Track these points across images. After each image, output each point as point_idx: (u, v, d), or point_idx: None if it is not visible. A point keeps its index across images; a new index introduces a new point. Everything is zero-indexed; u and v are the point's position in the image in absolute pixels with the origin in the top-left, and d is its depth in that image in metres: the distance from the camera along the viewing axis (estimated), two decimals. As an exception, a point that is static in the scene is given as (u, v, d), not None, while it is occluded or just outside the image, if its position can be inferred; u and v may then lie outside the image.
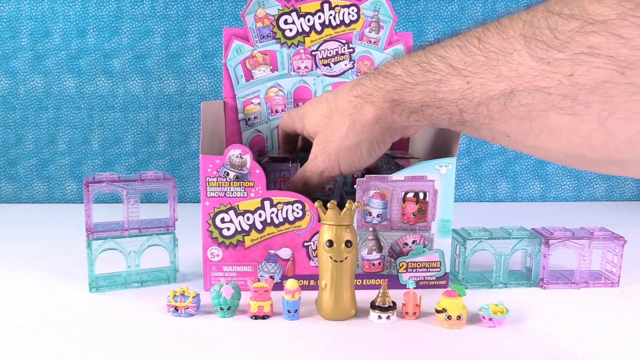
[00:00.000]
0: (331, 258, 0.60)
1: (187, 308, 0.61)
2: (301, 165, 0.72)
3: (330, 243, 0.59)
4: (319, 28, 0.78)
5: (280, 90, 0.81)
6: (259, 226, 0.67)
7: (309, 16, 0.78)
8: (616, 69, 0.32)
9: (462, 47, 0.43)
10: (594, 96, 0.34)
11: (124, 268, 0.70)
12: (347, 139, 0.57)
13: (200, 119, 0.89)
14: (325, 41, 0.79)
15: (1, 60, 1.12)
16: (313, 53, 0.79)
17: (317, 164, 0.62)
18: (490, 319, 0.59)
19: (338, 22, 0.78)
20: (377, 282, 0.69)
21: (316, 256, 0.67)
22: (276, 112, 0.82)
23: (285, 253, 0.68)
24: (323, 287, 0.61)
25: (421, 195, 0.67)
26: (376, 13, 0.79)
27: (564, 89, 0.35)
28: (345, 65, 0.80)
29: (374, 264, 0.69)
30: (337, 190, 0.74)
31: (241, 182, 0.65)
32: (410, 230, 0.68)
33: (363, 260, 0.69)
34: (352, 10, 0.78)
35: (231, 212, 0.66)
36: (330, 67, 0.80)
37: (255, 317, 0.61)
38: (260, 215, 0.66)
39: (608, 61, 0.32)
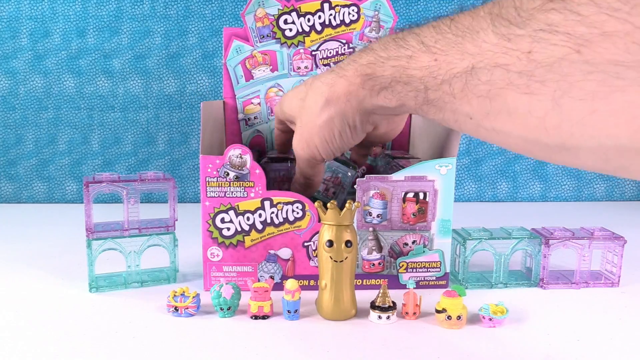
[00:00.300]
0: (331, 258, 0.60)
1: (187, 308, 0.61)
2: None
3: (330, 243, 0.59)
4: (319, 28, 0.78)
5: (280, 90, 0.81)
6: (259, 226, 0.67)
7: (309, 16, 0.78)
8: (572, 46, 0.32)
9: (435, 27, 0.44)
10: (549, 74, 0.34)
11: (124, 268, 0.70)
12: (319, 117, 0.56)
13: (200, 119, 0.89)
14: (326, 41, 0.79)
15: (1, 60, 1.12)
16: (313, 53, 0.79)
17: (300, 153, 0.61)
18: (490, 319, 0.59)
19: (338, 22, 0.78)
20: (377, 282, 0.69)
21: (316, 256, 0.67)
22: (276, 112, 0.82)
23: (285, 253, 0.68)
24: (323, 287, 0.61)
25: (421, 195, 0.67)
26: (376, 13, 0.79)
27: (522, 66, 0.35)
28: (345, 65, 0.80)
29: (374, 264, 0.69)
30: (341, 196, 0.73)
31: (241, 182, 0.65)
32: (410, 230, 0.68)
33: (363, 260, 0.69)
34: (353, 10, 0.78)
35: (231, 212, 0.66)
36: (331, 67, 0.80)
37: (255, 317, 0.61)
38: (260, 215, 0.66)
39: (565, 38, 0.32)
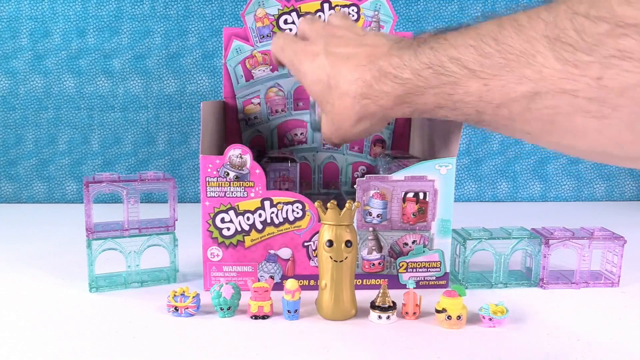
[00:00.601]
0: (331, 258, 0.60)
1: (187, 308, 0.61)
2: (297, 162, 0.72)
3: (330, 243, 0.59)
4: (319, 28, 0.78)
5: (280, 90, 0.81)
6: (259, 226, 0.67)
7: (309, 16, 0.78)
8: None
9: (476, 48, 0.41)
10: (622, 99, 0.34)
11: (124, 268, 0.70)
12: (353, 127, 0.54)
13: (200, 119, 0.89)
14: (325, 41, 0.79)
15: (1, 60, 1.12)
16: (313, 53, 0.79)
17: (330, 136, 0.58)
18: (490, 319, 0.59)
19: None
20: (377, 282, 0.69)
21: (316, 256, 0.67)
22: (276, 112, 0.82)
23: (285, 253, 0.68)
24: (323, 287, 0.61)
25: (421, 195, 0.67)
26: (376, 13, 0.79)
27: (592, 92, 0.35)
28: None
29: (374, 264, 0.69)
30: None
31: (241, 182, 0.65)
32: (410, 230, 0.68)
33: (363, 260, 0.69)
34: (352, 10, 0.78)
35: (231, 212, 0.66)
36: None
37: (255, 317, 0.61)
38: (260, 215, 0.66)
39: (639, 64, 0.32)
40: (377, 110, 0.51)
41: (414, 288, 0.62)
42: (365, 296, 0.64)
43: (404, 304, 0.62)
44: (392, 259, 0.69)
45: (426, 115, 0.49)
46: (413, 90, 0.47)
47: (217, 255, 0.67)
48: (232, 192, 0.66)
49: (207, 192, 0.65)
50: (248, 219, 0.66)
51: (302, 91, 0.81)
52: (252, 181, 0.65)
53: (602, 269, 0.73)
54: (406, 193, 0.67)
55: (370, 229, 0.68)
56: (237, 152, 0.65)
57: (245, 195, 0.66)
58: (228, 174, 0.65)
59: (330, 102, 0.54)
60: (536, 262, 0.71)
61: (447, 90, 0.44)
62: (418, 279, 0.69)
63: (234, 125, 0.81)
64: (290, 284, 0.60)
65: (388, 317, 0.61)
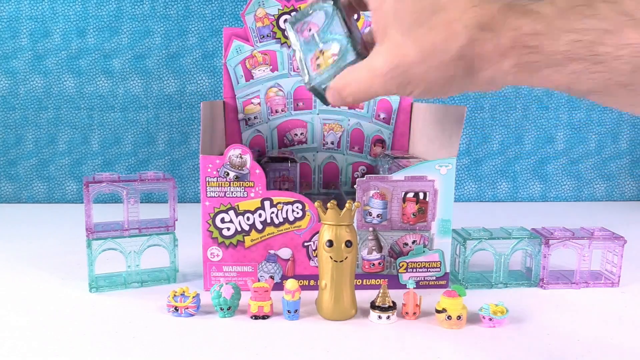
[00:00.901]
0: (331, 258, 0.60)
1: (187, 308, 0.61)
2: (297, 162, 0.72)
3: (330, 243, 0.59)
4: (319, 28, 0.78)
5: (280, 90, 0.81)
6: (259, 226, 0.67)
7: None
8: None
9: None
10: None
11: (124, 268, 0.70)
12: (447, 85, 0.41)
13: (200, 119, 0.89)
14: (325, 41, 0.79)
15: (1, 60, 1.12)
16: (313, 53, 0.79)
17: (388, 87, 0.42)
18: (490, 319, 0.59)
19: None
20: (377, 282, 0.69)
21: (316, 256, 0.67)
22: (276, 112, 0.82)
23: (285, 253, 0.68)
24: (323, 287, 0.61)
25: (421, 195, 0.67)
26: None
27: None
28: (345, 65, 0.80)
29: (374, 264, 0.69)
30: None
31: (241, 182, 0.65)
32: (410, 230, 0.68)
33: (363, 260, 0.69)
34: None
35: (231, 212, 0.66)
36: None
37: (255, 317, 0.61)
38: (260, 215, 0.66)
39: None
40: (487, 54, 0.39)
41: (414, 288, 0.62)
42: (365, 296, 0.64)
43: (404, 304, 0.62)
44: (392, 259, 0.69)
45: (544, 74, 0.39)
46: (547, 30, 0.37)
47: (217, 255, 0.67)
48: (232, 192, 0.66)
49: (207, 192, 0.65)
50: (248, 219, 0.66)
51: (303, 91, 0.81)
52: (252, 181, 0.65)
53: (602, 269, 0.73)
54: (406, 193, 0.67)
55: (370, 229, 0.68)
56: (237, 152, 0.65)
57: (245, 195, 0.66)
58: (228, 174, 0.65)
59: (425, 27, 0.40)
60: (536, 262, 0.71)
61: (591, 38, 0.36)
62: (418, 279, 0.69)
63: (234, 125, 0.81)
64: (290, 284, 0.60)
65: (388, 317, 0.61)
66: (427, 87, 0.41)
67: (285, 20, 0.77)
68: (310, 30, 0.43)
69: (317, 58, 0.43)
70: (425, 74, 0.40)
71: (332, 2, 0.43)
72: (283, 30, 0.78)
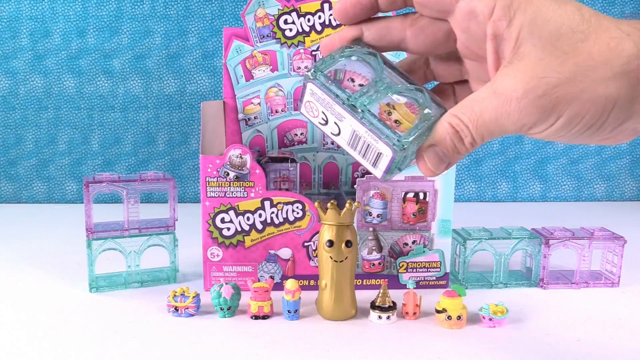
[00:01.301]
0: (331, 258, 0.60)
1: (187, 308, 0.61)
2: (297, 162, 0.72)
3: (331, 243, 0.59)
4: (319, 28, 0.78)
5: (280, 90, 0.81)
6: (259, 226, 0.67)
7: (309, 16, 0.78)
8: None
9: None
10: None
11: (124, 268, 0.70)
12: (603, 116, 0.32)
13: (200, 119, 0.89)
14: (325, 41, 0.79)
15: (1, 60, 1.12)
16: (313, 53, 0.79)
17: (507, 126, 0.33)
18: (490, 319, 0.59)
19: (338, 22, 0.78)
20: (377, 282, 0.69)
21: (316, 256, 0.67)
22: (276, 112, 0.82)
23: (285, 253, 0.68)
24: (323, 287, 0.61)
25: (421, 195, 0.67)
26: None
27: None
28: (345, 65, 0.80)
29: (374, 264, 0.69)
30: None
31: (241, 182, 0.65)
32: (410, 230, 0.68)
33: (363, 260, 0.69)
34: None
35: (231, 212, 0.66)
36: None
37: (255, 317, 0.61)
38: (260, 215, 0.66)
39: None
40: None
41: (414, 288, 0.62)
42: (365, 296, 0.64)
43: (404, 304, 0.62)
44: (392, 259, 0.69)
45: None
46: None
47: (217, 255, 0.67)
48: (232, 192, 0.66)
49: (207, 192, 0.65)
50: (248, 219, 0.66)
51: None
52: (252, 181, 0.65)
53: (602, 269, 0.73)
54: (406, 193, 0.67)
55: (370, 229, 0.68)
56: (237, 152, 0.65)
57: (245, 195, 0.66)
58: (228, 174, 0.65)
59: (576, 36, 0.32)
60: (536, 262, 0.71)
61: None
62: (418, 279, 0.69)
63: (234, 125, 0.81)
64: (290, 284, 0.60)
65: (388, 317, 0.61)
66: (578, 113, 0.32)
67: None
68: (353, 80, 0.34)
69: (389, 114, 0.33)
70: (580, 93, 0.31)
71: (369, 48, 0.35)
72: (283, 31, 0.78)
